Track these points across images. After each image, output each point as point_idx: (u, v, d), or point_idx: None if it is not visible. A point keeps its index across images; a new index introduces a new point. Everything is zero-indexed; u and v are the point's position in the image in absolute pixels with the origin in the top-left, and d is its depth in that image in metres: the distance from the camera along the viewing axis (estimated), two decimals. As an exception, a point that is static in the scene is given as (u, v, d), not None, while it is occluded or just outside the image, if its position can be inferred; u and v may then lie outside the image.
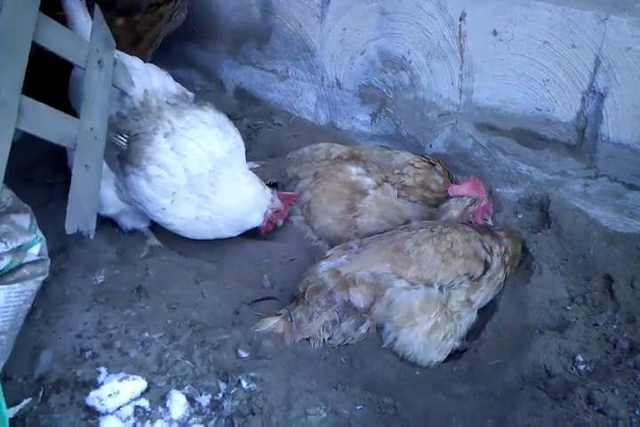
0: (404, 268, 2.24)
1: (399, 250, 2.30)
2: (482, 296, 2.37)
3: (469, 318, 2.39)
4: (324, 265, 2.32)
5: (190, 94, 2.67)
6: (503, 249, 2.50)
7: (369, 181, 2.83)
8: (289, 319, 2.23)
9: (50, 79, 2.74)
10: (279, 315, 2.26)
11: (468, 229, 2.43)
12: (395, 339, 2.25)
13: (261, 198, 2.68)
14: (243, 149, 2.70)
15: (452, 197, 2.67)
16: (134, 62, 2.59)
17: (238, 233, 2.73)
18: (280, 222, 2.80)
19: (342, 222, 2.79)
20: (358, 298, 2.22)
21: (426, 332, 2.21)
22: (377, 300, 2.22)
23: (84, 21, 2.47)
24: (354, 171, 2.86)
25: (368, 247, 2.35)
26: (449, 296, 2.28)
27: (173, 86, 2.64)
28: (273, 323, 2.23)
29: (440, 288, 2.26)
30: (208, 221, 2.57)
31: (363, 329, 2.23)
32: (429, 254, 2.28)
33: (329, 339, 2.23)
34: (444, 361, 2.34)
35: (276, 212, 2.73)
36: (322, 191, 2.85)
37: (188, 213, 2.53)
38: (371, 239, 2.42)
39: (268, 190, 2.72)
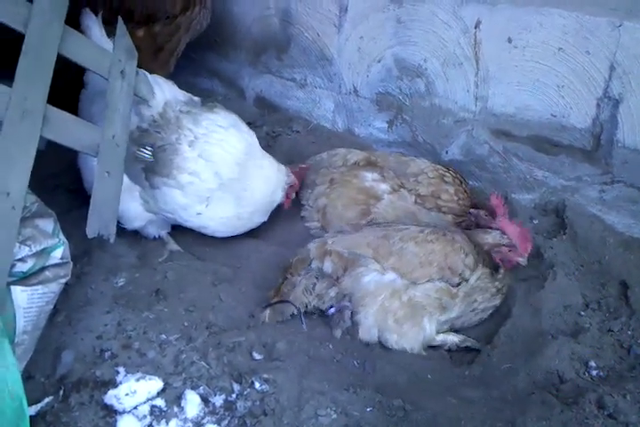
0: (384, 257, 2.35)
1: (385, 239, 2.40)
2: (457, 310, 2.38)
3: (438, 321, 2.39)
4: (317, 240, 2.53)
5: (196, 99, 2.74)
6: (499, 284, 2.49)
7: (384, 186, 2.85)
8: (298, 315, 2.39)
9: (72, 91, 2.83)
10: (270, 306, 2.40)
11: (457, 240, 2.42)
12: (353, 315, 2.35)
13: (280, 175, 2.81)
14: (255, 138, 2.80)
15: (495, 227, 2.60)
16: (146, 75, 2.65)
17: (267, 216, 2.84)
18: (293, 195, 2.90)
19: (357, 228, 2.81)
20: (328, 266, 2.40)
21: (374, 313, 2.30)
22: (347, 273, 2.36)
23: (99, 36, 2.56)
24: (369, 177, 2.89)
25: (360, 231, 2.50)
26: (410, 285, 2.32)
27: (180, 94, 2.71)
28: (268, 311, 2.39)
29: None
30: (247, 217, 2.71)
31: (332, 293, 2.39)
32: (410, 252, 2.36)
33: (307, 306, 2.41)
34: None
35: (291, 186, 2.85)
36: (337, 197, 2.90)
37: (226, 212, 2.64)
38: (366, 227, 2.59)
39: (282, 166, 2.83)
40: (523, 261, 2.51)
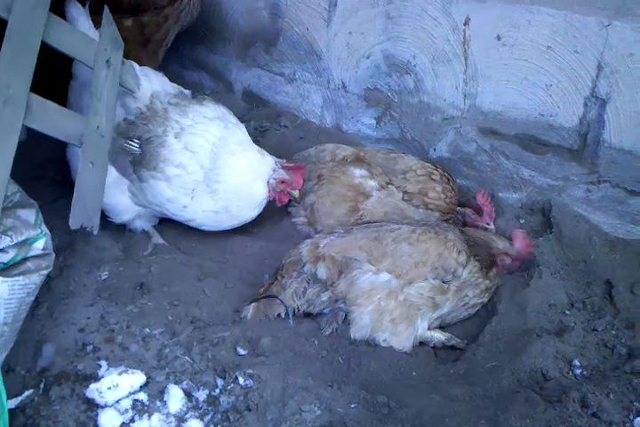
0: (378, 260, 2.34)
1: (378, 241, 2.38)
2: (449, 305, 2.39)
3: (430, 319, 2.40)
4: (308, 241, 2.50)
5: (187, 92, 2.72)
6: (489, 283, 2.51)
7: (372, 183, 2.85)
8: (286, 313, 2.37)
9: (60, 82, 2.79)
10: (255, 301, 2.38)
11: (450, 238, 2.43)
12: (347, 315, 2.33)
13: (260, 167, 2.67)
14: (242, 128, 2.73)
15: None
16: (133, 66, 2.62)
17: (258, 210, 2.73)
18: (295, 194, 2.75)
19: (347, 228, 2.79)
20: (322, 271, 2.37)
21: (369, 312, 2.29)
22: (342, 276, 2.34)
23: (86, 27, 2.51)
24: (357, 173, 2.88)
25: (352, 233, 2.47)
26: (406, 284, 2.32)
27: (170, 86, 2.69)
28: (252, 307, 2.36)
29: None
30: (224, 210, 2.62)
31: (324, 297, 2.37)
32: (404, 253, 2.35)
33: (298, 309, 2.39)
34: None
35: (282, 182, 2.70)
36: (325, 194, 2.88)
37: (209, 205, 2.59)
38: (358, 227, 2.54)
39: (270, 159, 2.70)
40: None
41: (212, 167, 2.56)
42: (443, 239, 2.41)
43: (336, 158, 3.02)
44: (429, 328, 2.41)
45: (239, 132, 2.70)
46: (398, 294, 2.30)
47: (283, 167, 2.70)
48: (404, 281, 2.32)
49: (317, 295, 2.37)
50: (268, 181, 2.69)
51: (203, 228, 2.71)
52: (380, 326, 2.30)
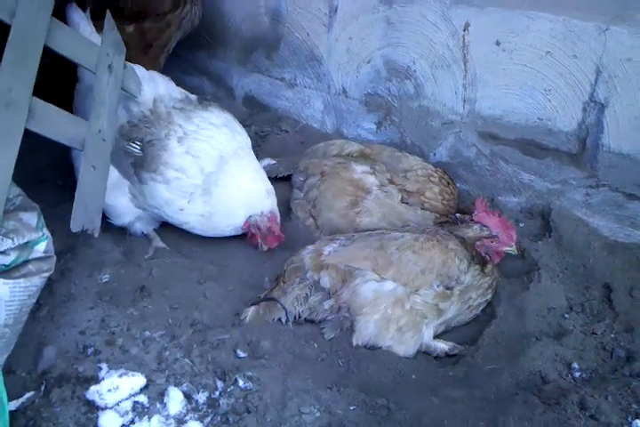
0: (384, 269, 2.33)
1: (382, 250, 2.37)
2: (453, 310, 2.39)
3: (435, 326, 2.40)
4: (310, 248, 2.49)
5: (193, 97, 2.74)
6: (489, 279, 2.51)
7: (372, 179, 2.88)
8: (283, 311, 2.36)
9: (64, 87, 2.81)
10: (256, 303, 2.39)
11: (451, 247, 2.42)
12: (352, 324, 2.32)
13: (256, 199, 2.69)
14: (250, 145, 2.77)
15: (476, 222, 2.61)
16: (138, 70, 2.65)
17: (233, 232, 2.74)
18: (264, 247, 2.76)
19: (345, 217, 2.85)
20: (325, 280, 2.36)
21: (375, 321, 2.29)
22: (345, 285, 2.33)
23: (88, 32, 2.55)
24: (358, 169, 2.92)
25: (355, 242, 2.45)
26: (412, 292, 2.32)
27: (177, 91, 2.71)
28: (252, 310, 2.36)
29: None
30: (209, 215, 2.62)
31: (326, 305, 2.36)
32: (410, 261, 2.35)
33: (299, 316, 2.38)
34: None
35: (258, 228, 2.70)
36: (327, 188, 2.94)
37: (199, 209, 2.61)
38: (360, 235, 2.53)
39: (269, 204, 2.71)
40: (511, 249, 2.54)
41: (215, 171, 2.58)
42: (444, 249, 2.40)
43: (342, 153, 3.09)
44: (435, 334, 2.41)
45: (247, 143, 2.75)
46: (405, 303, 2.30)
47: (270, 219, 2.69)
48: (411, 289, 2.31)
49: (319, 303, 2.37)
50: (250, 216, 2.69)
51: (196, 232, 2.72)
52: (386, 335, 2.29)
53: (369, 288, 2.31)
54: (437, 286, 2.34)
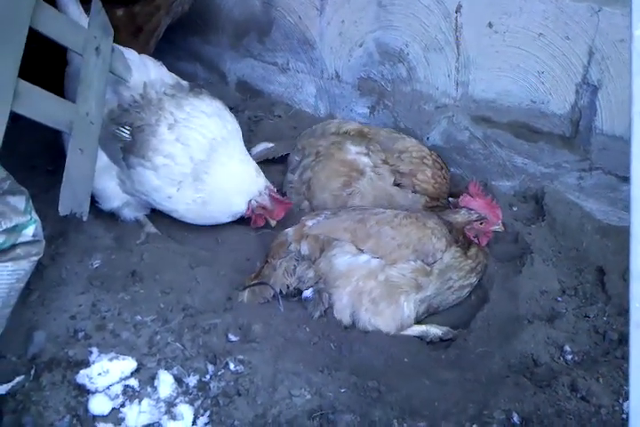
0: (362, 240, 2.37)
1: (362, 223, 2.41)
2: (432, 288, 2.39)
3: (415, 300, 2.40)
4: (295, 225, 2.55)
5: (184, 83, 2.71)
6: (473, 263, 2.50)
7: (366, 160, 2.88)
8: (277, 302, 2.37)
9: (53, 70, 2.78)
10: (250, 286, 2.43)
11: (429, 226, 2.44)
12: (328, 297, 2.36)
13: (250, 184, 2.70)
14: (240, 132, 2.75)
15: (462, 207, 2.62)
16: (129, 54, 2.63)
17: (230, 218, 2.76)
18: (273, 223, 2.77)
19: (338, 198, 2.86)
20: (305, 248, 2.44)
21: (348, 293, 2.32)
22: (323, 255, 2.39)
23: (77, 15, 2.50)
24: (353, 150, 2.92)
25: (337, 215, 2.51)
26: (388, 265, 2.34)
27: (169, 76, 2.68)
28: (247, 291, 2.41)
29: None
30: (202, 203, 2.61)
31: (310, 274, 2.40)
32: (388, 235, 2.38)
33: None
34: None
35: (262, 207, 2.72)
36: (321, 169, 2.93)
37: (190, 196, 2.60)
38: (343, 209, 2.59)
39: (262, 182, 2.73)
40: (498, 227, 2.56)
41: (206, 159, 2.57)
42: (422, 226, 2.43)
43: (340, 131, 3.08)
44: (418, 313, 2.41)
45: (239, 136, 2.74)
46: (378, 275, 2.33)
47: (270, 195, 2.71)
48: (388, 262, 2.34)
49: (305, 272, 2.41)
50: (249, 201, 2.70)
51: (184, 220, 2.72)
52: (360, 307, 2.32)
53: (343, 262, 2.35)
54: (414, 262, 2.35)
